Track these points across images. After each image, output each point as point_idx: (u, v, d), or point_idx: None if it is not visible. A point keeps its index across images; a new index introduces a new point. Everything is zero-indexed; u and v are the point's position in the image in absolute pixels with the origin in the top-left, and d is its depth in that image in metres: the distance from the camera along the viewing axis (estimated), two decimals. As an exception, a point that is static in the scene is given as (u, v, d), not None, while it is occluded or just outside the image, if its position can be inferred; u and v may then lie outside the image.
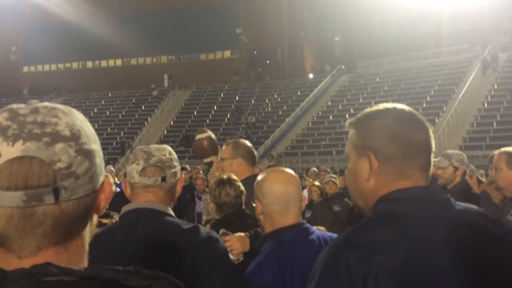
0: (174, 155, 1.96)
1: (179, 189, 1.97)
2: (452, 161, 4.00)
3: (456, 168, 4.00)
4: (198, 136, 3.54)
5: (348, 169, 1.41)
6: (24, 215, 0.73)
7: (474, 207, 1.34)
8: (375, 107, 1.37)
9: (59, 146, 0.74)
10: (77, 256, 0.79)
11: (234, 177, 2.91)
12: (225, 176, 2.90)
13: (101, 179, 0.81)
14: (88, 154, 0.77)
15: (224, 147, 3.39)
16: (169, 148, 1.97)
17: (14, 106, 0.78)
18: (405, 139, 1.29)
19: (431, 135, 1.34)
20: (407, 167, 1.29)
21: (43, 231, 0.74)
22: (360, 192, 1.36)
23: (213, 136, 3.55)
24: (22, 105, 0.78)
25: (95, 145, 0.80)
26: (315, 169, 11.78)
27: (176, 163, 1.95)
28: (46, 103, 0.80)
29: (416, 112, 1.35)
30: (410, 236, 1.18)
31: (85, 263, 0.80)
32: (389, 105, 1.37)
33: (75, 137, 0.76)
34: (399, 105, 1.36)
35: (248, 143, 3.45)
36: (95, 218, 0.84)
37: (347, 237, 1.24)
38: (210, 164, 3.50)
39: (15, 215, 0.73)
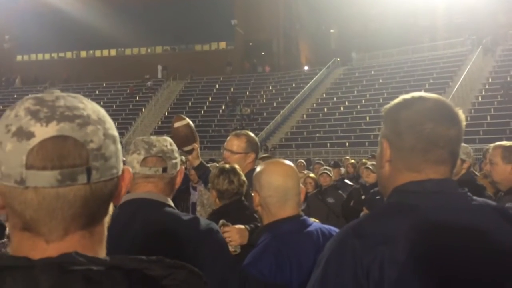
0: (175, 147, 1.96)
1: (178, 180, 1.97)
2: (460, 153, 3.96)
3: (463, 161, 3.97)
4: (177, 124, 3.33)
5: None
6: (57, 195, 0.74)
7: (492, 203, 1.32)
8: (406, 95, 1.35)
9: (90, 128, 0.76)
10: (100, 242, 0.81)
11: (237, 167, 2.90)
12: (227, 165, 2.90)
13: (122, 165, 0.83)
14: (113, 139, 0.80)
15: (233, 139, 3.29)
16: (169, 139, 1.97)
17: (38, 95, 0.79)
18: (417, 130, 1.26)
19: (460, 128, 1.29)
20: (416, 160, 1.27)
21: (73, 213, 0.75)
22: (378, 178, 1.39)
23: (191, 122, 3.43)
24: (46, 94, 0.79)
25: (116, 132, 0.83)
26: (302, 160, 11.75)
27: (176, 155, 1.95)
28: (68, 93, 0.82)
29: (447, 104, 1.31)
30: (419, 229, 1.18)
31: (104, 250, 0.82)
32: (419, 94, 1.34)
33: (102, 121, 0.79)
34: (430, 96, 1.33)
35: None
36: (111, 207, 0.85)
37: (355, 226, 1.24)
38: (189, 152, 3.37)
39: (48, 196, 0.74)
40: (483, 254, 1.19)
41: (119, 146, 0.82)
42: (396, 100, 1.36)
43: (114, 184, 0.81)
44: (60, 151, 0.73)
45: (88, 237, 0.78)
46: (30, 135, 0.73)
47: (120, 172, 0.82)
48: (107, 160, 0.78)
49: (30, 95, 0.80)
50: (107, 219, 0.83)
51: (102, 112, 0.81)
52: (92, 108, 0.79)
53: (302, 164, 10.94)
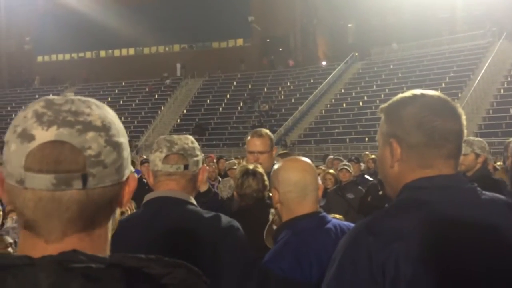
0: (197, 145, 2.00)
1: (201, 178, 2.00)
2: (474, 148, 3.91)
3: (477, 155, 3.91)
4: None
5: (377, 154, 1.42)
6: (53, 198, 0.76)
7: (501, 197, 1.33)
8: (405, 93, 1.35)
9: (90, 134, 0.77)
10: (100, 246, 0.82)
11: (260, 169, 2.90)
12: (251, 167, 2.90)
13: (127, 172, 0.84)
14: (116, 146, 0.80)
15: (256, 140, 3.29)
16: (191, 137, 2.01)
17: (50, 97, 0.81)
18: (429, 127, 1.26)
19: (463, 122, 1.30)
20: (430, 156, 1.28)
21: (69, 216, 0.77)
22: (386, 178, 1.37)
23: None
24: (58, 97, 0.81)
25: (124, 139, 0.83)
26: (332, 156, 11.32)
27: (198, 152, 1.98)
28: (80, 97, 0.83)
29: (447, 99, 1.32)
30: (432, 224, 1.19)
31: (107, 253, 0.82)
32: (419, 91, 1.34)
33: (105, 128, 0.79)
34: (429, 92, 1.34)
35: None
36: (118, 212, 0.87)
37: (369, 223, 1.24)
38: None
39: (44, 198, 0.76)
40: (495, 248, 1.20)
41: (125, 153, 0.83)
42: (395, 99, 1.36)
43: (115, 190, 0.81)
44: (56, 156, 0.75)
45: (88, 240, 0.79)
46: (31, 137, 0.75)
47: (124, 179, 0.83)
48: (107, 167, 0.78)
49: (44, 97, 0.82)
50: (110, 223, 0.84)
51: (109, 118, 0.81)
52: (98, 114, 0.80)
53: (332, 160, 10.15)
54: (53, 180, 0.75)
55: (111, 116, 0.83)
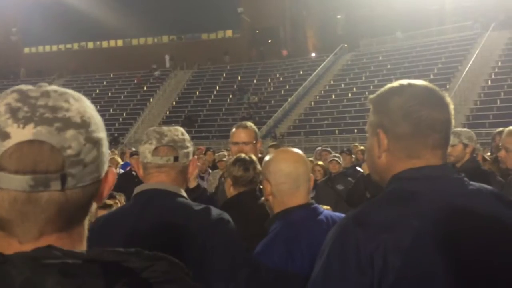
0: (187, 136, 1.97)
1: (191, 170, 1.99)
2: (461, 138, 3.92)
3: (465, 146, 3.92)
4: None
5: (365, 145, 1.42)
6: (29, 200, 0.71)
7: (488, 187, 1.33)
8: (393, 83, 1.35)
9: (70, 132, 0.73)
10: (79, 242, 0.79)
11: (254, 158, 2.91)
12: (243, 154, 2.91)
13: (105, 168, 0.80)
14: (96, 143, 0.76)
15: (241, 131, 3.36)
16: (181, 129, 1.99)
17: (23, 87, 0.76)
18: (415, 117, 1.26)
19: (450, 112, 1.30)
20: (417, 146, 1.28)
21: (46, 217, 0.73)
22: (375, 169, 1.37)
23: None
24: (32, 87, 0.76)
25: (103, 134, 0.79)
26: (320, 148, 11.25)
27: (188, 144, 1.96)
28: (56, 87, 0.78)
29: (435, 89, 1.32)
30: (420, 215, 1.18)
31: (84, 247, 0.79)
32: (406, 81, 1.34)
33: (85, 124, 0.75)
34: (417, 82, 1.34)
35: None
36: (94, 206, 0.83)
37: (357, 215, 1.24)
38: None
39: (19, 199, 0.71)
40: (484, 237, 1.20)
41: (104, 148, 0.79)
42: (383, 89, 1.36)
43: (95, 188, 0.78)
44: (34, 157, 0.71)
45: (66, 237, 0.76)
46: (6, 136, 0.70)
47: (102, 175, 0.79)
48: (86, 166, 0.75)
49: (17, 87, 0.76)
50: (88, 219, 0.81)
51: (89, 112, 0.77)
52: (77, 109, 0.75)
53: (321, 151, 10.08)
54: (30, 181, 0.70)
55: (90, 109, 0.78)
